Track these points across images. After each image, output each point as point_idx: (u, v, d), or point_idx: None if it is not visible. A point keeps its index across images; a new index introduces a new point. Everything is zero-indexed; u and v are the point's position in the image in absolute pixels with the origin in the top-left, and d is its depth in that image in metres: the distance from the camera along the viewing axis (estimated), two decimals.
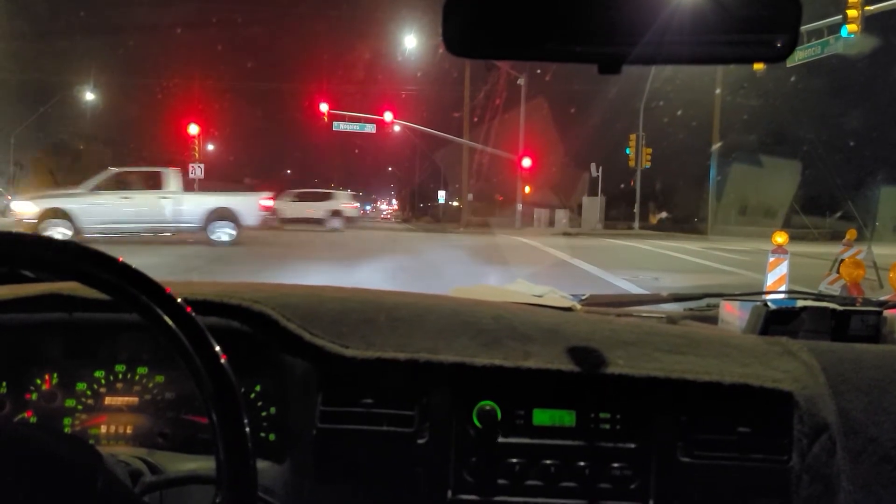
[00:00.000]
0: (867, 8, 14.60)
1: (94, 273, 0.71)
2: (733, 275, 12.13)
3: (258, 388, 1.14)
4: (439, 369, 1.06)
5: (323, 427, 1.05)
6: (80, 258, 0.71)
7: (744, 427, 1.04)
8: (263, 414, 1.13)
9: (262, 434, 1.13)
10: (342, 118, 31.15)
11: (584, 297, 1.58)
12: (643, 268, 12.53)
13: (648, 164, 30.74)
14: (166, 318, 0.72)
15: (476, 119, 31.80)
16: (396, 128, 32.26)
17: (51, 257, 0.71)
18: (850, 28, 14.85)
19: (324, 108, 30.54)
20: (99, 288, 0.72)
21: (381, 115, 30.63)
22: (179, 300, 0.74)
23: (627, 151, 30.97)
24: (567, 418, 1.06)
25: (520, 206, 31.13)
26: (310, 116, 32.04)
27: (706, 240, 23.69)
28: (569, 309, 1.37)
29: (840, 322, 1.33)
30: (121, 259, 0.73)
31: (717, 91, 28.28)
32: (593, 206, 33.14)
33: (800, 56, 17.32)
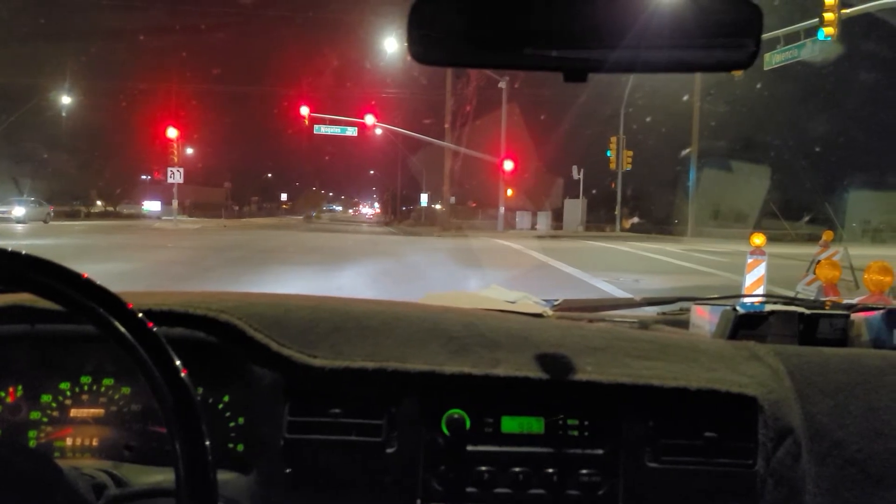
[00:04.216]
0: (843, 11, 14.81)
1: (48, 284, 0.70)
2: (712, 276, 12.25)
3: (226, 398, 1.13)
4: (408, 378, 1.06)
5: (290, 437, 1.04)
6: (32, 268, 0.69)
7: (710, 432, 1.05)
8: (231, 424, 1.12)
9: (231, 445, 1.11)
10: (323, 121, 31.05)
11: (557, 303, 1.58)
12: (624, 270, 12.61)
13: (629, 167, 30.97)
14: (124, 331, 0.71)
15: (458, 123, 31.85)
16: (378, 131, 32.22)
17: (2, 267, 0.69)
18: (827, 31, 15.05)
19: (304, 111, 30.43)
20: (53, 299, 0.71)
21: (363, 119, 30.58)
22: (138, 312, 0.73)
23: (609, 154, 31.18)
24: (536, 425, 1.06)
25: (502, 210, 31.21)
26: (291, 120, 31.89)
27: (685, 242, 23.91)
28: (540, 315, 1.37)
29: (808, 326, 1.34)
30: (85, 274, 0.72)
31: (696, 96, 28.60)
32: (575, 209, 33.31)
33: (777, 59, 17.54)
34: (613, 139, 30.93)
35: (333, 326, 1.12)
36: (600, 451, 1.05)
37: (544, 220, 33.20)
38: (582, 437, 1.06)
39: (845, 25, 15.01)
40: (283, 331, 1.09)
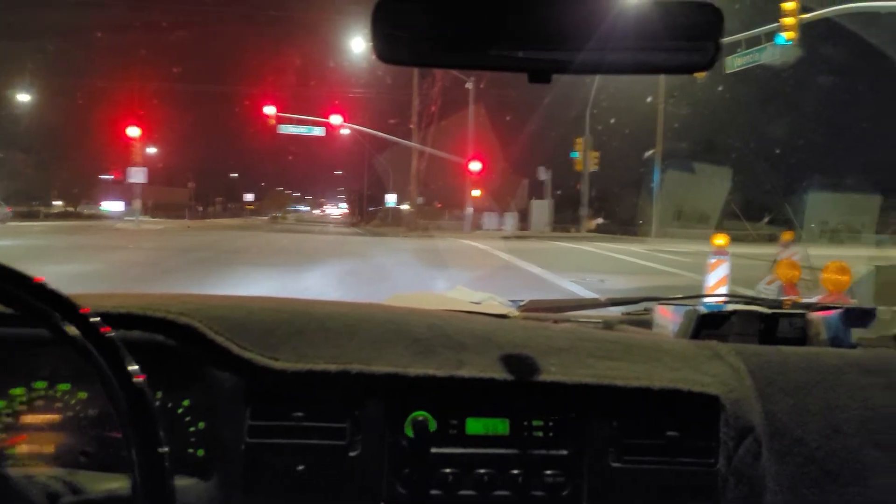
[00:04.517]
0: (802, 16, 15.18)
1: None
2: (676, 276, 12.44)
3: (186, 402, 1.10)
4: (372, 380, 1.05)
5: (252, 442, 1.02)
6: None
7: (672, 431, 1.06)
8: (192, 429, 1.10)
9: (191, 450, 1.09)
10: (289, 121, 30.77)
11: (522, 303, 1.58)
12: (590, 270, 12.74)
13: (596, 168, 31.28)
14: (77, 335, 0.69)
15: (423, 123, 31.82)
16: (345, 131, 32.03)
17: None
18: (787, 35, 15.41)
19: (270, 110, 30.09)
20: (4, 303, 0.68)
21: (329, 119, 30.38)
22: (92, 315, 0.70)
23: (574, 155, 31.46)
24: (500, 427, 1.06)
25: (469, 210, 31.28)
26: (256, 119, 31.50)
27: (649, 242, 24.26)
28: (505, 316, 1.37)
29: (768, 325, 1.36)
30: (37, 277, 0.69)
31: (661, 98, 29.06)
32: (541, 210, 33.56)
33: (738, 63, 17.90)
34: (579, 140, 31.22)
35: (296, 329, 1.11)
36: (565, 452, 1.05)
37: (511, 221, 33.40)
38: (546, 437, 1.06)
39: (805, 29, 15.39)
40: (244, 334, 1.07)
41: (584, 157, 30.96)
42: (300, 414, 1.03)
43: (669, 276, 12.48)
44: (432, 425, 1.04)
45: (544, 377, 1.06)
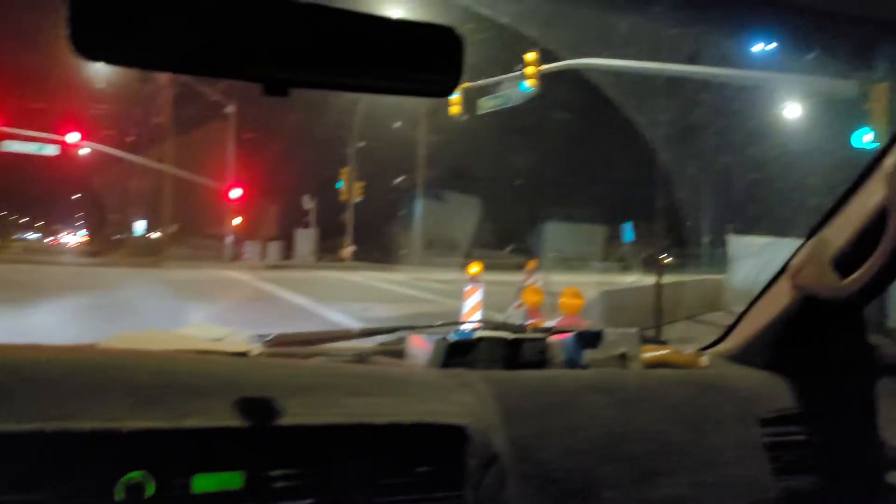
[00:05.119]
0: (542, 67, 16.97)
1: None
2: (437, 304, 12.98)
3: None
4: (76, 439, 0.87)
5: None
6: None
7: (423, 466, 1.03)
8: None
9: None
10: (14, 136, 26.87)
11: (269, 338, 1.47)
12: (354, 299, 12.79)
13: (361, 197, 31.74)
14: None
15: (150, 137, 29.74)
16: (85, 150, 28.82)
17: None
18: (529, 83, 17.14)
19: None
20: None
21: (66, 136, 27.13)
22: None
23: (339, 184, 31.68)
24: (234, 481, 0.94)
25: (229, 238, 29.87)
26: None
27: (411, 270, 25.14)
28: (246, 353, 1.25)
29: (513, 350, 1.41)
30: None
31: (423, 129, 30.52)
32: (306, 239, 33.15)
33: (489, 104, 19.47)
34: (345, 170, 31.53)
35: None
36: (310, 501, 0.97)
37: (275, 250, 32.50)
38: (287, 488, 0.96)
39: (546, 75, 17.24)
40: None
41: (348, 186, 31.31)
42: None
43: (431, 304, 12.98)
44: (150, 488, 0.89)
45: (287, 420, 0.97)
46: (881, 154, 1.31)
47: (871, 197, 1.30)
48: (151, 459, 0.91)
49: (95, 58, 0.79)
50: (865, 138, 10.42)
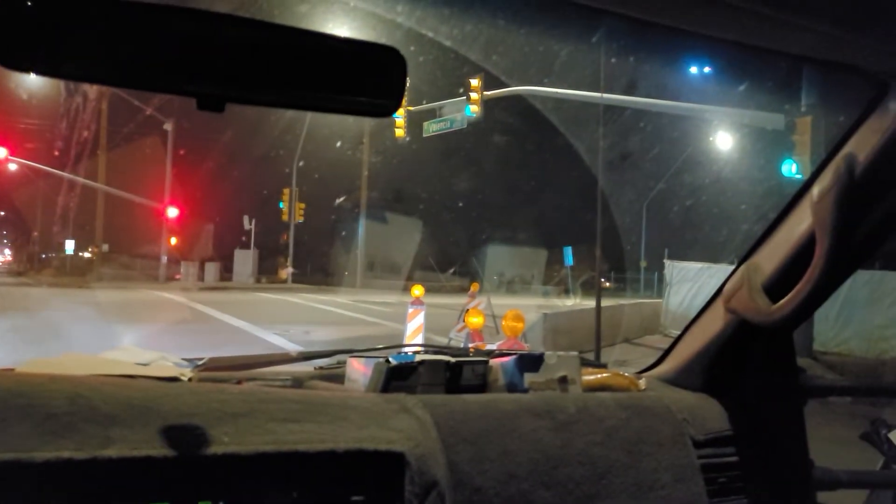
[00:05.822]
0: (485, 93, 17.24)
1: None
2: (379, 326, 12.86)
3: None
4: None
5: None
6: None
7: (358, 495, 0.99)
8: None
9: None
10: None
11: (202, 362, 1.41)
12: (295, 321, 12.56)
13: (302, 219, 31.37)
14: None
15: (77, 151, 28.73)
16: (12, 166, 27.58)
17: None
18: (473, 109, 17.38)
19: None
20: None
21: None
22: None
23: (281, 206, 31.27)
24: None
25: (164, 259, 28.99)
26: None
27: (353, 292, 24.90)
28: (176, 379, 1.19)
29: (454, 373, 1.39)
30: None
31: (366, 152, 30.45)
32: (246, 260, 32.49)
33: (434, 128, 19.61)
34: (286, 191, 31.15)
35: None
36: None
37: (213, 271, 31.72)
38: None
39: (489, 102, 17.51)
40: None
41: (289, 207, 30.93)
42: None
43: (374, 326, 12.86)
44: None
45: (214, 449, 0.92)
46: (809, 182, 1.35)
47: (799, 224, 1.34)
48: (65, 492, 0.85)
49: (20, 68, 0.74)
50: (787, 169, 10.89)
